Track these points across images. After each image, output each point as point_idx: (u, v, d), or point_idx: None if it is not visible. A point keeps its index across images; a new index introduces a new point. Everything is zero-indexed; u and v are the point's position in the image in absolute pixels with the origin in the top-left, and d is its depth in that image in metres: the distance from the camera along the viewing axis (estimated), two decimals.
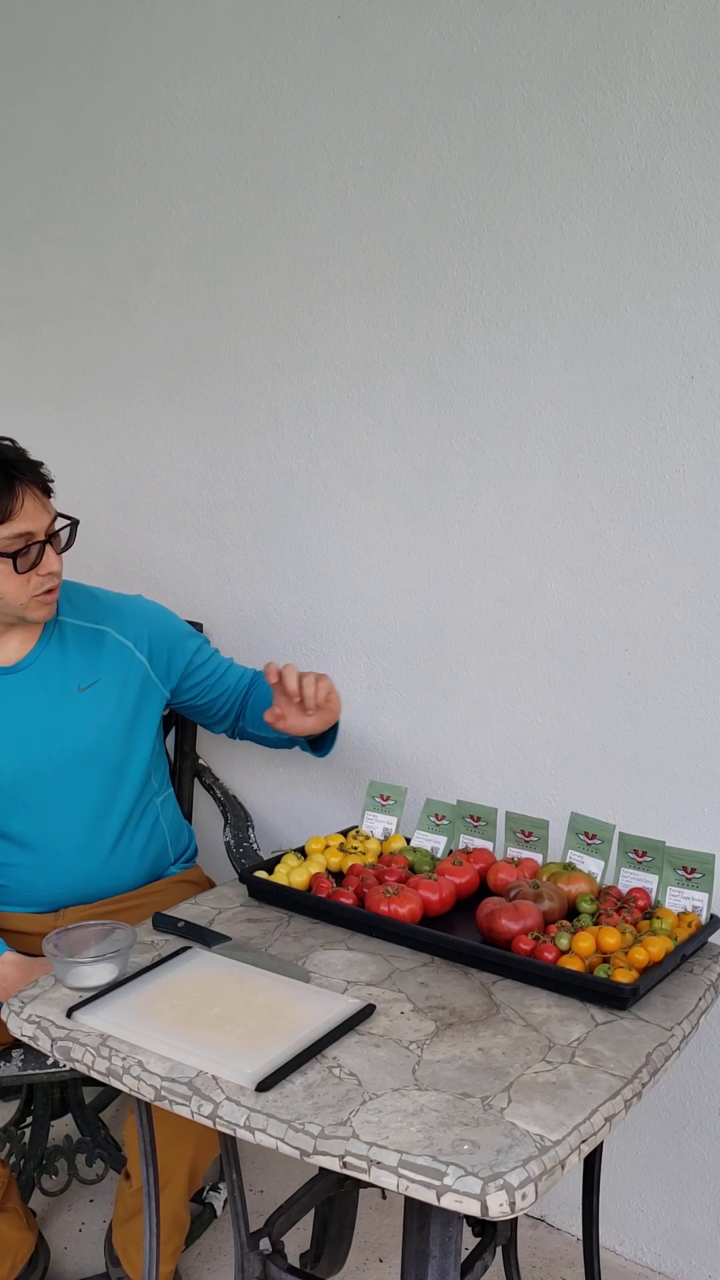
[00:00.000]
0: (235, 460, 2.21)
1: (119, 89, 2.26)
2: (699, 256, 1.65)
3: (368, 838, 1.73)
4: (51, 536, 1.68)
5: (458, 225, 1.86)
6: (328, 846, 1.70)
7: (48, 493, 1.69)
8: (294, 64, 2.01)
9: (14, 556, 1.63)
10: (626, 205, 1.70)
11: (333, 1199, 1.69)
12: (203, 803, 2.22)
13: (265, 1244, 1.48)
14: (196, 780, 2.16)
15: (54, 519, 1.69)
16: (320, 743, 1.88)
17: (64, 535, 1.71)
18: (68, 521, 1.71)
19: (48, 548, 1.67)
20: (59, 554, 1.70)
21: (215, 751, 2.29)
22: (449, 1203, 1.02)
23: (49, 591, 1.69)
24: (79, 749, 1.75)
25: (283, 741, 1.92)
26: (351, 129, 1.96)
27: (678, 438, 1.71)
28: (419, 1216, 1.21)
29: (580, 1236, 1.84)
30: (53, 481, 1.71)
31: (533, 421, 1.84)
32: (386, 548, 2.04)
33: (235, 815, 2.06)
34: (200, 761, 2.15)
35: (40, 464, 1.69)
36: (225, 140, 2.12)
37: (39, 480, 1.68)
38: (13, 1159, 1.92)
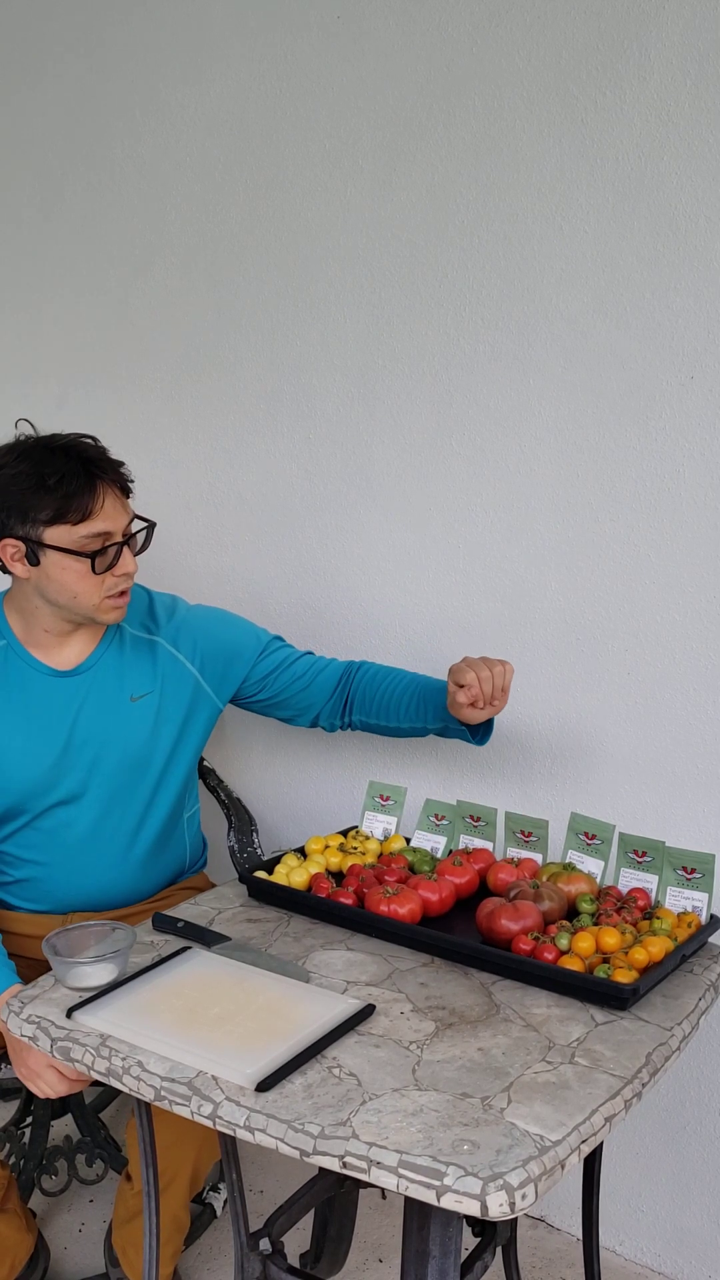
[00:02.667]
0: (235, 460, 2.21)
1: (118, 88, 2.26)
2: (699, 256, 1.65)
3: (368, 838, 1.73)
4: (129, 538, 1.65)
5: (458, 225, 1.86)
6: (328, 846, 1.70)
7: (127, 493, 1.66)
8: (294, 64, 2.01)
9: (92, 556, 1.60)
10: (626, 205, 1.70)
11: (333, 1199, 1.69)
12: (207, 806, 2.22)
13: (265, 1244, 1.48)
14: (201, 782, 2.15)
15: (131, 520, 1.66)
16: (479, 729, 1.74)
17: (140, 537, 1.68)
18: (145, 524, 1.68)
19: (124, 549, 1.64)
20: (135, 555, 1.67)
21: (218, 751, 2.28)
22: (449, 1203, 1.02)
23: (122, 594, 1.66)
24: (124, 758, 1.73)
25: (412, 731, 1.81)
26: (351, 129, 1.96)
27: (678, 438, 1.71)
28: (419, 1216, 1.21)
29: (580, 1236, 1.84)
30: (133, 482, 1.67)
31: (533, 421, 1.84)
32: (386, 548, 2.04)
33: (240, 819, 2.06)
34: (205, 764, 2.15)
35: (121, 464, 1.66)
36: (225, 140, 2.12)
37: (119, 480, 1.64)
38: (13, 1159, 1.92)
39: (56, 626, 1.70)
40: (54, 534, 1.59)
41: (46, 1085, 1.50)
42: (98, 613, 1.66)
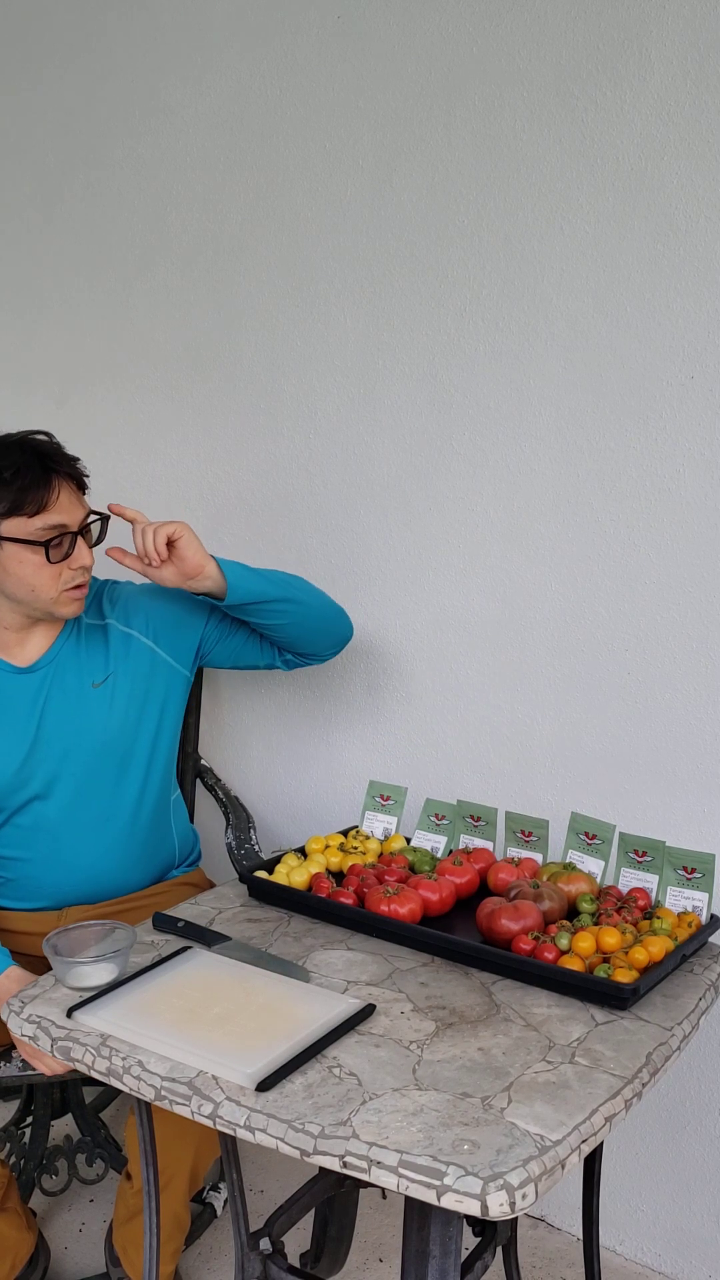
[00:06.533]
0: (235, 460, 2.21)
1: (118, 88, 2.26)
2: (699, 256, 1.65)
3: (368, 838, 1.73)
4: (84, 531, 1.68)
5: (458, 225, 1.86)
6: (328, 846, 1.70)
7: (82, 487, 1.70)
8: (294, 64, 2.01)
9: (46, 546, 1.63)
10: (626, 205, 1.70)
11: (333, 1199, 1.69)
12: (204, 804, 2.22)
13: (265, 1244, 1.48)
14: (199, 781, 2.16)
15: (87, 514, 1.69)
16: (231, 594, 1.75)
17: (95, 530, 1.71)
18: (99, 516, 1.71)
19: (80, 540, 1.67)
20: (91, 548, 1.70)
21: (217, 752, 2.28)
22: (449, 1203, 1.02)
23: (79, 586, 1.69)
24: (95, 746, 1.75)
25: (276, 631, 1.82)
26: (351, 129, 1.96)
27: (678, 438, 1.71)
28: (419, 1216, 1.21)
29: (580, 1236, 1.84)
30: (88, 476, 1.71)
31: (533, 421, 1.84)
32: (386, 547, 2.04)
33: (237, 817, 2.06)
34: (202, 762, 2.15)
35: (76, 459, 1.70)
36: (225, 140, 2.12)
37: (74, 474, 1.68)
38: (13, 1159, 1.92)
39: (16, 623, 1.72)
40: (10, 526, 1.62)
41: (54, 1061, 1.53)
42: (56, 606, 1.69)
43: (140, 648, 1.80)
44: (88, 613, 1.81)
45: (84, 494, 1.70)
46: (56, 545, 1.64)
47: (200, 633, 1.86)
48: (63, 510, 1.64)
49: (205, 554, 1.69)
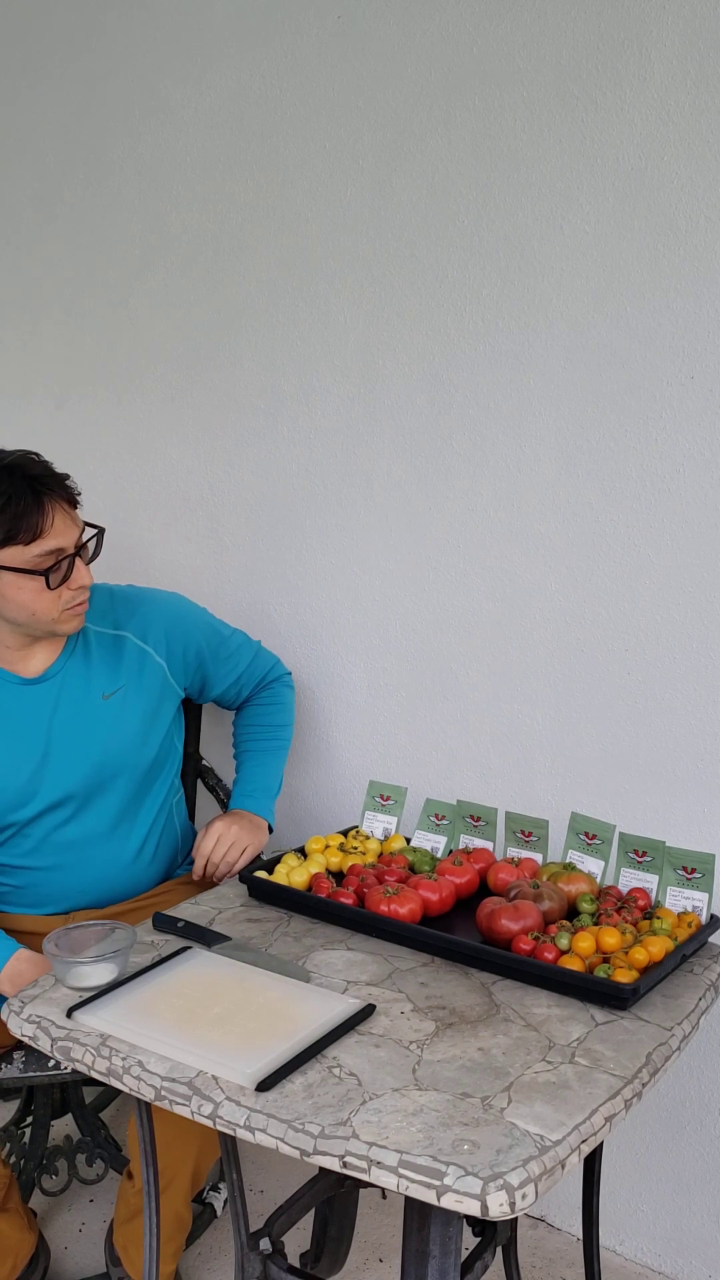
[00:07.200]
0: (235, 460, 2.21)
1: (118, 89, 2.26)
2: (699, 256, 1.65)
3: (368, 838, 1.73)
4: (80, 548, 1.66)
5: (458, 225, 1.86)
6: (328, 846, 1.70)
7: (75, 505, 1.66)
8: (294, 64, 2.01)
9: (45, 573, 1.61)
10: (626, 205, 1.70)
11: (333, 1199, 1.69)
12: (205, 804, 2.22)
13: (265, 1244, 1.48)
14: (200, 781, 2.16)
15: (82, 530, 1.66)
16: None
17: (91, 545, 1.68)
18: (95, 531, 1.68)
19: (77, 560, 1.64)
20: (87, 564, 1.67)
21: (218, 752, 2.28)
22: (449, 1203, 1.02)
23: (80, 604, 1.67)
24: (104, 757, 1.74)
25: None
26: (351, 129, 1.96)
27: (678, 438, 1.71)
28: (419, 1216, 1.21)
29: (580, 1236, 1.84)
30: (80, 494, 1.68)
31: (533, 421, 1.84)
32: (386, 548, 2.04)
33: None
34: (204, 763, 2.15)
35: (66, 476, 1.66)
36: (224, 140, 2.12)
37: (67, 494, 1.65)
38: (13, 1159, 1.92)
39: (17, 641, 1.71)
40: (6, 555, 1.60)
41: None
42: (57, 625, 1.67)
43: (154, 666, 1.80)
44: (98, 620, 1.79)
45: (76, 509, 1.67)
46: (55, 570, 1.61)
47: (202, 674, 1.89)
48: (58, 534, 1.61)
49: (258, 841, 1.83)
